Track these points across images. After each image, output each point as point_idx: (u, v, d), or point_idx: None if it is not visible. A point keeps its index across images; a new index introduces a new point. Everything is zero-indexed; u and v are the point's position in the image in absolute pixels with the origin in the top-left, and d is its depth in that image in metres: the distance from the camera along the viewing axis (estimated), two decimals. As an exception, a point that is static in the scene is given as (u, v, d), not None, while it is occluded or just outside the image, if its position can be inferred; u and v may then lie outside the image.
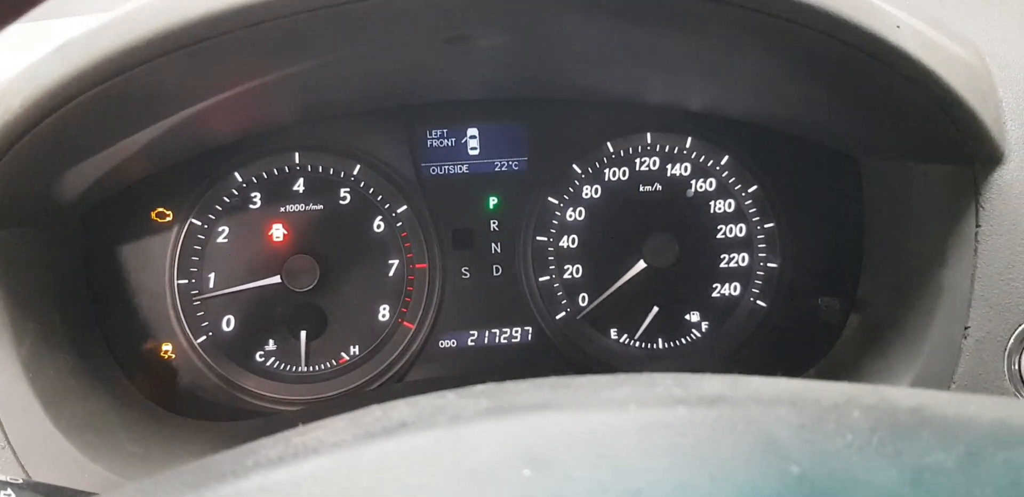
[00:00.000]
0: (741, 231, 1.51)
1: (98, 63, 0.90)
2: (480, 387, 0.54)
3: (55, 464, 1.04)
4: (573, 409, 0.51)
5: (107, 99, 0.95)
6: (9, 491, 0.85)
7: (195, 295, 1.42)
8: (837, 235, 1.46)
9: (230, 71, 1.02)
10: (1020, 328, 1.14)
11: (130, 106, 1.01)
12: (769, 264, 1.51)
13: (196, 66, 0.95)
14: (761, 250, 1.51)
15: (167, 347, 1.43)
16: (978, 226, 1.13)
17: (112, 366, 1.34)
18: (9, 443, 1.08)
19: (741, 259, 1.52)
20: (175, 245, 1.41)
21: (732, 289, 1.52)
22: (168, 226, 1.42)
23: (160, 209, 1.42)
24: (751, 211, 1.51)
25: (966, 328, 1.14)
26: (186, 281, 1.42)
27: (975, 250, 1.14)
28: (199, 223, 1.43)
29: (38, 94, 0.93)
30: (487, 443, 0.47)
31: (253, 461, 0.48)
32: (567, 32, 1.08)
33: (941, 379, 1.15)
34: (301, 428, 0.53)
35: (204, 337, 1.43)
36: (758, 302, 1.52)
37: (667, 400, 0.52)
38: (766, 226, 1.51)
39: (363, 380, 1.47)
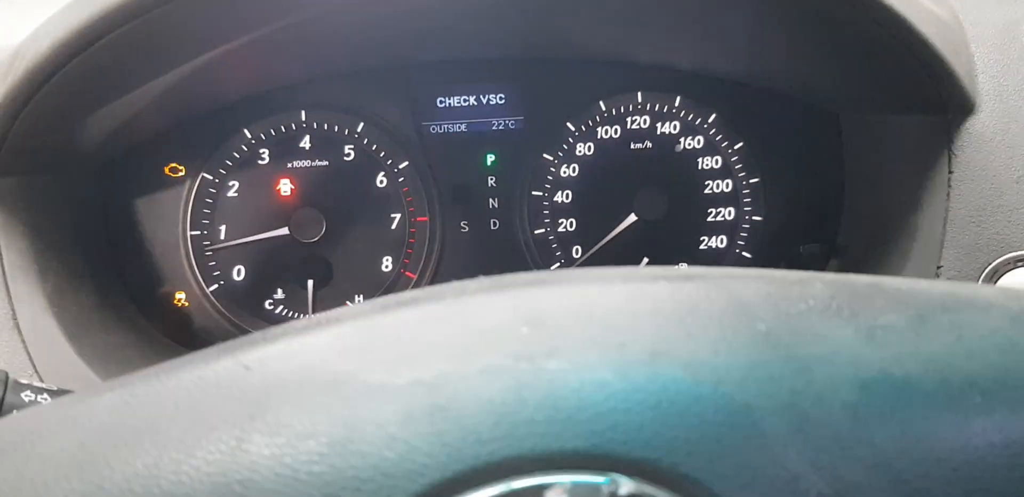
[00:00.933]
0: (727, 186, 1.53)
1: (121, 4, 0.96)
2: (482, 278, 0.58)
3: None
4: (567, 283, 0.54)
5: (128, 42, 1.01)
6: (45, 395, 0.91)
7: (207, 246, 1.46)
8: (818, 188, 1.49)
9: (239, 15, 1.08)
10: (989, 267, 1.18)
11: (147, 50, 1.06)
12: (754, 217, 1.53)
13: (208, 9, 1.01)
14: (746, 204, 1.53)
15: (180, 295, 1.47)
16: (951, 172, 1.17)
17: (131, 307, 1.39)
18: (37, 372, 1.14)
19: (727, 213, 1.54)
20: (188, 199, 1.45)
21: (719, 241, 1.55)
22: (181, 180, 1.46)
23: (173, 164, 1.46)
24: (737, 167, 1.53)
25: (939, 268, 1.19)
26: (199, 232, 1.46)
27: (947, 195, 1.18)
28: (210, 178, 1.46)
29: (67, 35, 0.99)
30: (489, 308, 0.51)
31: (283, 330, 0.52)
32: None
33: None
34: (325, 313, 0.56)
35: (216, 285, 1.47)
36: (743, 253, 1.54)
37: (650, 277, 0.56)
38: (751, 181, 1.53)
39: None
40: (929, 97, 1.17)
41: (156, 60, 1.12)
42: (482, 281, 0.58)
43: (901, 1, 1.07)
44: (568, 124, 1.52)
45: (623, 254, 1.55)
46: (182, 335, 1.42)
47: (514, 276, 0.59)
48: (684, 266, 0.63)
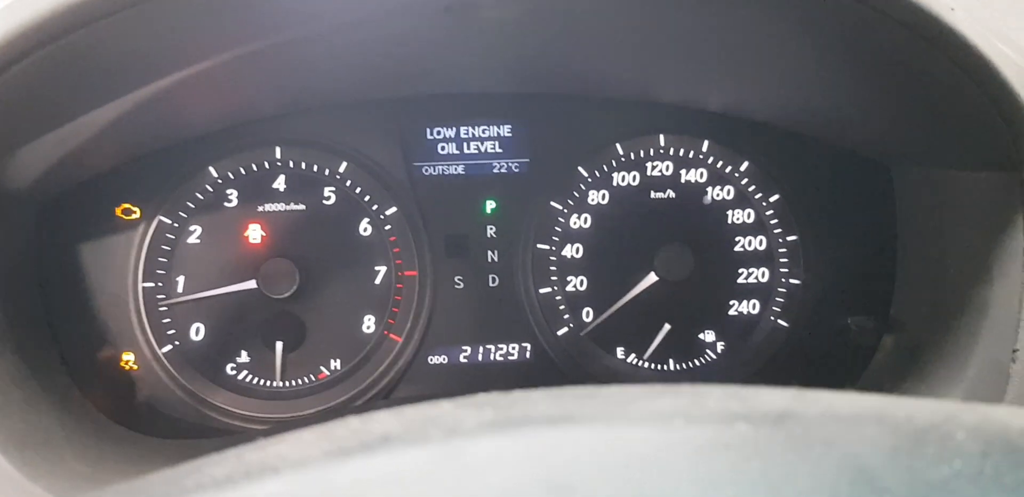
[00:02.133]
0: (761, 244, 1.43)
1: (47, 17, 0.79)
2: (483, 396, 0.49)
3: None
4: (603, 423, 0.44)
5: (60, 61, 0.85)
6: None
7: (161, 300, 1.35)
8: (867, 249, 1.37)
9: (192, 37, 0.92)
10: (1076, 352, 1.04)
11: (86, 73, 0.91)
12: (791, 280, 1.43)
13: (152, 27, 0.85)
14: (783, 265, 1.43)
15: (128, 357, 1.34)
16: None
17: (62, 376, 1.23)
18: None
19: (761, 274, 1.43)
20: (141, 245, 1.34)
21: (751, 306, 1.44)
22: (134, 224, 1.34)
23: (126, 205, 1.34)
24: (772, 222, 1.43)
25: (1015, 351, 1.05)
26: (152, 284, 1.34)
27: (1023, 265, 1.05)
28: (169, 221, 1.35)
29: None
30: (494, 463, 0.41)
31: (195, 482, 0.43)
32: (580, 6, 0.98)
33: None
34: (261, 442, 0.47)
35: (170, 346, 1.35)
36: (779, 321, 1.43)
37: (723, 415, 0.45)
38: (788, 238, 1.43)
39: (344, 398, 1.38)
40: (1003, 151, 1.04)
41: (103, 83, 0.97)
42: (483, 409, 0.47)
43: (983, 38, 0.94)
44: (580, 168, 1.42)
45: (641, 319, 1.42)
46: (123, 409, 1.30)
47: (528, 402, 0.48)
48: (764, 390, 0.44)
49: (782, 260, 1.43)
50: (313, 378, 1.37)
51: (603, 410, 0.47)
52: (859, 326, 1.33)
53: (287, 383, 1.36)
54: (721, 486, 0.40)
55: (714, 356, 1.43)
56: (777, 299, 1.43)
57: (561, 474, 0.40)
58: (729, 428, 0.43)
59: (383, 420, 0.48)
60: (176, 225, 1.35)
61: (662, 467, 0.41)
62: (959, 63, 0.93)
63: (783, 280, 1.43)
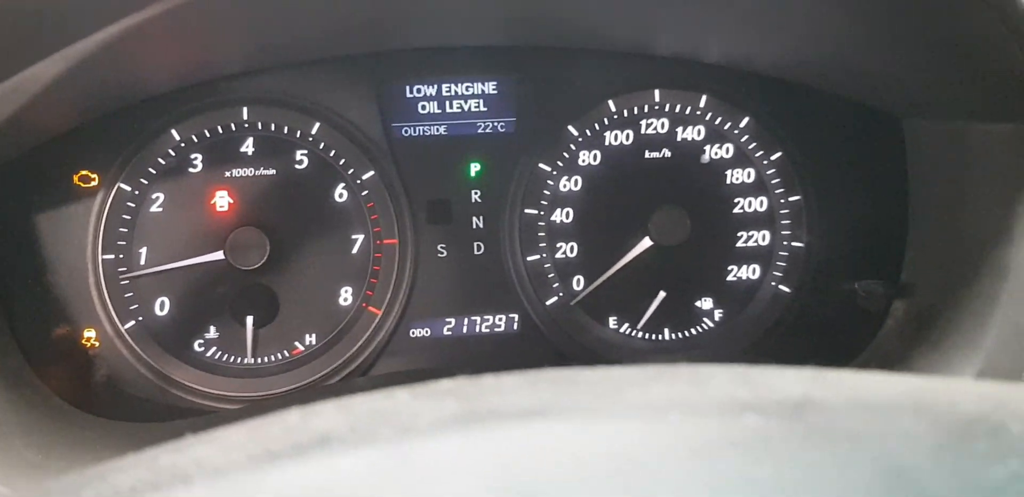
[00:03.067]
0: (762, 205, 1.39)
1: None
2: (447, 384, 0.43)
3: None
4: (583, 417, 0.39)
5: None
6: None
7: (123, 272, 1.29)
8: (876, 209, 1.32)
9: None
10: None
11: (16, 18, 0.83)
12: (794, 243, 1.39)
13: None
14: (785, 227, 1.39)
15: (89, 333, 1.28)
16: None
17: (14, 356, 1.17)
18: None
19: (761, 237, 1.39)
20: (100, 214, 1.28)
21: (751, 271, 1.40)
22: (93, 192, 1.28)
23: (84, 172, 1.27)
24: (774, 182, 1.38)
25: None
26: (112, 256, 1.28)
27: None
28: (129, 189, 1.29)
29: None
30: (450, 471, 0.36)
31: (95, 494, 0.38)
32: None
33: (1008, 375, 1.03)
34: (177, 443, 0.41)
35: (133, 322, 1.29)
36: (781, 286, 1.39)
37: (728, 405, 0.39)
38: (791, 199, 1.38)
39: (320, 375, 1.33)
40: None
41: (38, 30, 0.88)
42: (444, 400, 0.41)
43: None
44: (570, 127, 1.37)
45: (635, 287, 1.38)
46: (81, 390, 1.24)
47: (498, 392, 0.42)
48: (776, 371, 0.35)
49: (784, 222, 1.39)
50: (287, 354, 1.33)
51: (585, 401, 0.41)
52: (867, 291, 1.27)
53: (259, 360, 1.32)
54: (726, 495, 0.34)
55: (711, 324, 1.40)
56: (779, 263, 1.39)
57: (530, 483, 0.35)
58: (735, 422, 0.38)
59: (327, 416, 0.42)
60: (137, 193, 1.29)
61: (654, 473, 0.35)
62: (995, 7, 0.86)
63: (785, 243, 1.39)
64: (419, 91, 1.35)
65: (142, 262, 1.29)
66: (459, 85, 1.35)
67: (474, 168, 1.36)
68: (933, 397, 0.41)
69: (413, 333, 1.36)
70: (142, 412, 1.24)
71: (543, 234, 1.38)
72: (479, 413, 0.40)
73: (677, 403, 0.40)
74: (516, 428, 0.38)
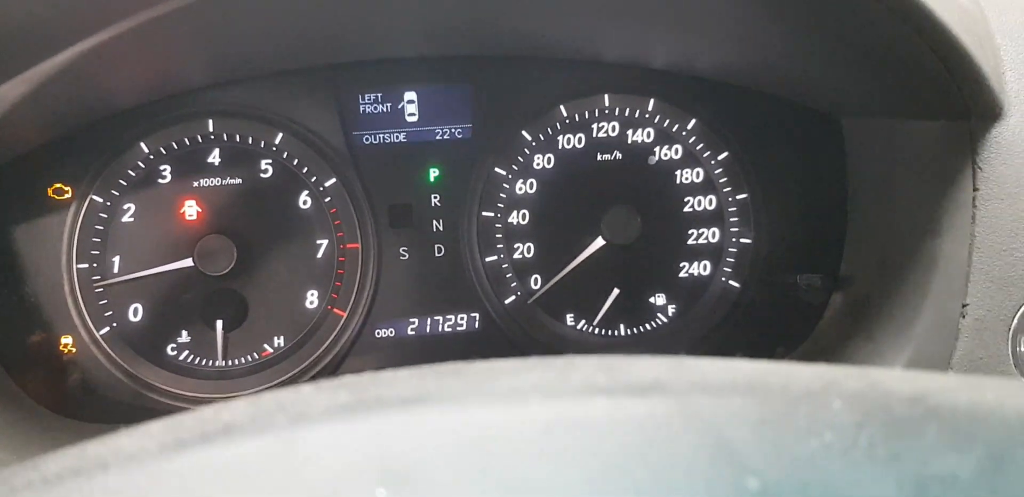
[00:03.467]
0: (711, 203, 1.40)
1: None
2: (349, 378, 0.46)
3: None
4: (453, 403, 0.42)
5: None
6: None
7: (96, 281, 1.30)
8: (817, 206, 1.35)
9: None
10: (1025, 306, 1.03)
11: None
12: (742, 239, 1.41)
13: None
14: (733, 224, 1.40)
15: (66, 340, 1.29)
16: (976, 189, 1.03)
17: None
18: None
19: (711, 234, 1.41)
20: (74, 225, 1.28)
21: (701, 268, 1.41)
22: (66, 204, 1.29)
23: (58, 185, 1.29)
24: (721, 181, 1.40)
25: (964, 306, 1.05)
26: (87, 265, 1.29)
27: (973, 217, 1.04)
28: (101, 200, 1.30)
29: None
30: (331, 452, 0.39)
31: (25, 480, 0.41)
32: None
33: (936, 364, 1.06)
34: (109, 435, 0.44)
35: (108, 328, 1.30)
36: (730, 282, 1.41)
37: (583, 389, 0.43)
38: (738, 197, 1.40)
39: (289, 375, 1.34)
40: (949, 99, 1.02)
41: (6, 53, 0.90)
42: (339, 391, 0.45)
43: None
44: (524, 132, 1.38)
45: (590, 285, 1.39)
46: (56, 394, 1.25)
47: (390, 384, 0.45)
48: (644, 360, 0.41)
49: (732, 219, 1.40)
50: (256, 356, 1.34)
51: (460, 389, 0.44)
52: (808, 284, 1.30)
53: (229, 362, 1.33)
54: (568, 467, 0.38)
55: (665, 320, 1.41)
56: (728, 259, 1.41)
57: (398, 460, 0.38)
58: (586, 403, 0.41)
59: (235, 408, 0.45)
60: (109, 204, 1.30)
61: (507, 449, 0.39)
62: (898, 12, 0.89)
63: (733, 240, 1.40)
64: (378, 100, 1.36)
65: (115, 270, 1.30)
66: (417, 93, 1.36)
67: (433, 173, 1.37)
68: (772, 379, 0.45)
69: (378, 333, 1.37)
70: (118, 414, 1.26)
71: (500, 235, 1.39)
72: (365, 401, 0.44)
73: (540, 388, 0.44)
74: (392, 414, 0.41)
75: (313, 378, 1.35)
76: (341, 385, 0.47)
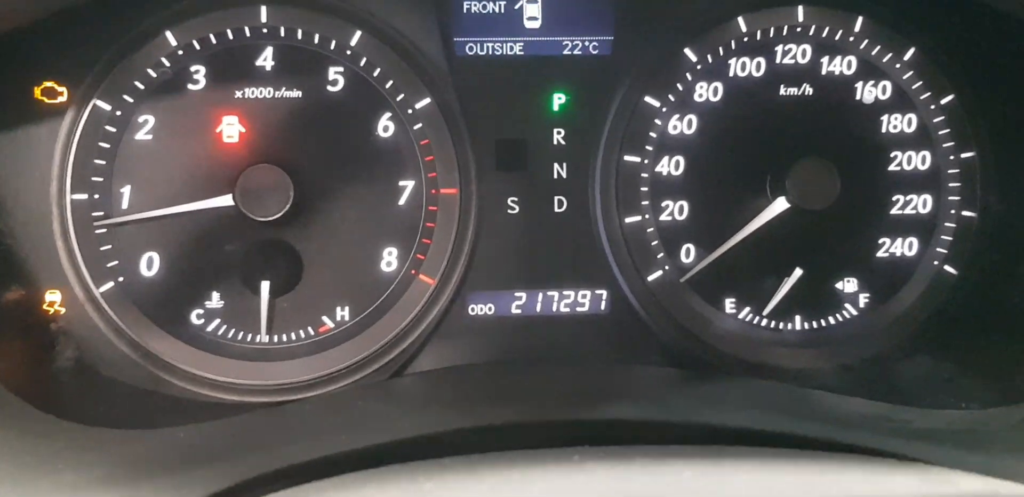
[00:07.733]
0: (924, 162, 1.22)
1: None
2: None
3: None
4: None
5: None
6: None
7: (98, 218, 1.13)
8: None
9: None
10: None
11: None
12: (964, 212, 1.23)
13: None
14: (953, 191, 1.22)
15: (52, 297, 1.10)
16: None
17: None
18: None
19: (922, 203, 1.23)
20: (69, 139, 1.11)
21: (907, 247, 1.23)
22: (60, 110, 1.11)
23: (49, 83, 1.10)
24: (941, 133, 1.22)
25: None
26: (85, 196, 1.12)
27: None
28: (108, 107, 1.12)
29: None
30: None
31: None
32: None
33: None
34: None
35: (111, 283, 1.13)
36: (945, 267, 1.24)
37: None
38: (962, 155, 1.22)
39: (353, 361, 1.14)
40: None
41: None
42: None
43: None
44: (686, 51, 1.19)
45: (764, 262, 1.21)
46: (39, 380, 1.04)
47: None
48: None
49: (952, 184, 1.22)
50: (312, 331, 1.16)
51: None
52: None
53: (275, 338, 1.15)
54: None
55: (854, 313, 1.23)
56: (943, 237, 1.24)
57: None
58: None
59: None
60: (119, 113, 1.12)
61: None
62: None
63: (952, 212, 1.23)
64: (490, -3, 1.14)
65: (124, 206, 1.13)
66: (541, -10, 1.17)
67: (558, 100, 1.20)
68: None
69: (472, 310, 1.20)
70: (117, 411, 1.02)
71: (645, 189, 1.22)
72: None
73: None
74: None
75: (383, 368, 1.13)
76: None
